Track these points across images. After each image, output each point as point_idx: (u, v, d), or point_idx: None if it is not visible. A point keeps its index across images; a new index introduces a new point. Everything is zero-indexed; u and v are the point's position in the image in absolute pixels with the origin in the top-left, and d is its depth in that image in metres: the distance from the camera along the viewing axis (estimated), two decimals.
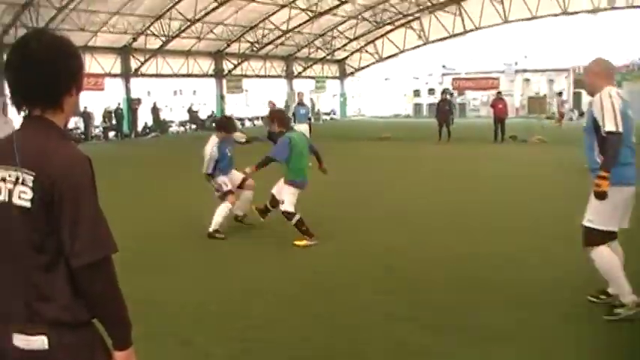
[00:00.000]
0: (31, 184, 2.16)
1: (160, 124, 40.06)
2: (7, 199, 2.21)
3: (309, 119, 19.10)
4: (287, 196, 9.24)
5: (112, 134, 37.36)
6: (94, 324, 2.31)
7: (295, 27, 42.99)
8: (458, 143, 25.44)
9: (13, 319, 2.23)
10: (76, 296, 2.21)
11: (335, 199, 12.80)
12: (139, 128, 38.90)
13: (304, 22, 42.67)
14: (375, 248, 8.89)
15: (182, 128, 42.21)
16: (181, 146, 25.19)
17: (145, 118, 39.84)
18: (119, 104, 37.41)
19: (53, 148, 2.22)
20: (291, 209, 9.18)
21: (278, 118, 10.00)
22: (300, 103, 20.21)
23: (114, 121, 37.36)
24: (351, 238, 9.56)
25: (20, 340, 2.21)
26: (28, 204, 2.17)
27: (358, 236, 9.72)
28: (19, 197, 2.18)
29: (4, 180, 2.22)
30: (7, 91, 2.33)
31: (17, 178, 2.19)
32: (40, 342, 2.19)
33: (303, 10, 40.41)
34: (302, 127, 17.95)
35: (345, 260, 8.36)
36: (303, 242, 9.09)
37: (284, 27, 42.41)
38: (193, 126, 42.43)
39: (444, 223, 10.51)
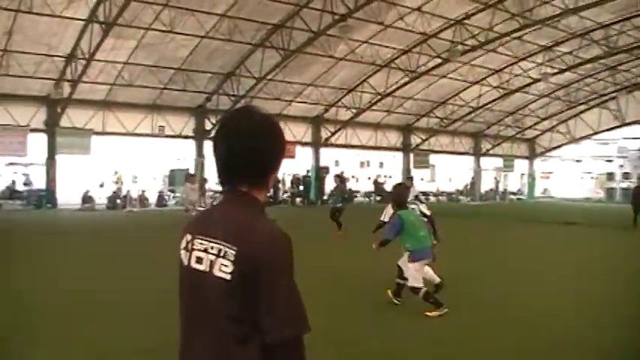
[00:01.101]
0: (232, 258, 2.22)
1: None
2: (208, 269, 2.29)
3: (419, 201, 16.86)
4: (410, 272, 9.40)
5: (298, 200, 38.73)
6: None
7: (486, 104, 42.82)
8: None
9: None
10: None
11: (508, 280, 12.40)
12: (325, 196, 40.05)
13: (495, 100, 42.37)
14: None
15: (367, 199, 42.90)
16: (366, 215, 25.39)
17: (331, 186, 40.90)
18: (308, 171, 38.86)
19: (255, 224, 2.29)
20: (416, 284, 9.28)
21: (393, 198, 10.14)
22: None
23: (301, 187, 38.74)
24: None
25: None
26: (228, 276, 2.22)
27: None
28: (220, 269, 2.25)
29: (206, 251, 2.32)
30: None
31: (219, 251, 2.27)
32: None
33: (494, 87, 40.23)
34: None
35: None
36: (434, 313, 9.13)
37: (474, 103, 42.38)
38: (378, 197, 42.98)
39: None
